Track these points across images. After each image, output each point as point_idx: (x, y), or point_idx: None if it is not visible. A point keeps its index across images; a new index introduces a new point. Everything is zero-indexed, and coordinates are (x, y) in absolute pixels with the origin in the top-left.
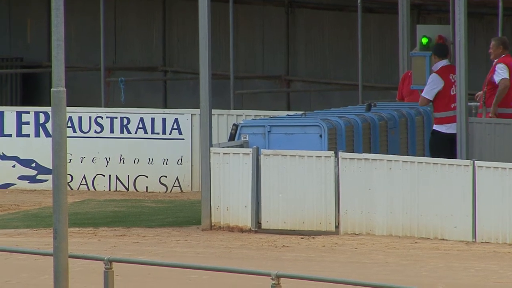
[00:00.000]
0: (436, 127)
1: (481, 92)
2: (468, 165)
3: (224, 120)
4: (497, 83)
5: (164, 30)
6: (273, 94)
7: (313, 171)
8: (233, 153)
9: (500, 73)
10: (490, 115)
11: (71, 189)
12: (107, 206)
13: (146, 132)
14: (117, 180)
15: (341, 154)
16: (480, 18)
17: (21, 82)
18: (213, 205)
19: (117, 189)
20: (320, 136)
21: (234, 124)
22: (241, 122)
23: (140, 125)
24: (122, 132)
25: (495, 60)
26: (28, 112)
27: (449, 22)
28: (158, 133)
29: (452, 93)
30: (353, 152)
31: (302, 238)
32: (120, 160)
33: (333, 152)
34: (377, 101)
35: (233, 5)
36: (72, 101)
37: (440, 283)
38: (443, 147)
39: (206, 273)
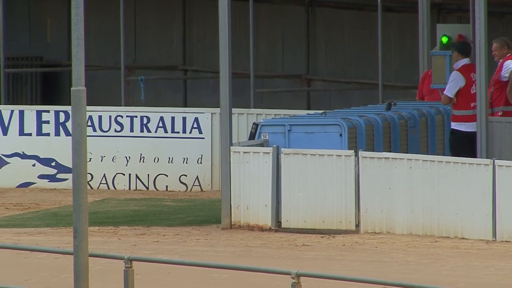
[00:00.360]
0: (454, 125)
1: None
2: (488, 164)
3: (244, 119)
4: (508, 76)
5: (184, 29)
6: (293, 93)
7: (333, 170)
8: (253, 152)
9: (509, 67)
10: (499, 114)
11: (91, 188)
12: (127, 205)
13: (166, 131)
14: (137, 179)
15: (361, 153)
16: (500, 17)
17: (41, 81)
18: (233, 204)
19: (137, 188)
20: (340, 135)
21: (254, 123)
22: (261, 121)
23: (160, 124)
24: (142, 131)
25: (500, 60)
26: (48, 111)
27: (469, 21)
28: (178, 132)
29: (472, 92)
30: (373, 151)
31: (322, 237)
32: (140, 159)
33: (353, 151)
34: (397, 100)
35: (253, 4)
36: (92, 100)
37: (460, 282)
38: (463, 146)
39: (226, 272)
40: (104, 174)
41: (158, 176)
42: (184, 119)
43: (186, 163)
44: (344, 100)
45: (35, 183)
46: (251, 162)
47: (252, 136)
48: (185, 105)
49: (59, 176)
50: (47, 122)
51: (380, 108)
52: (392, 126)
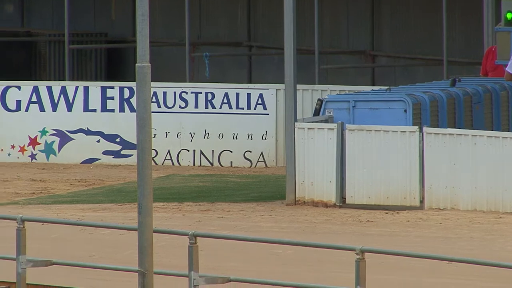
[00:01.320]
0: None
1: None
2: None
3: (308, 95)
4: None
5: (249, 5)
6: (358, 69)
7: (398, 146)
8: (318, 128)
9: None
10: None
11: (156, 164)
12: (191, 181)
13: (230, 107)
14: (202, 155)
15: (425, 129)
16: None
17: (106, 57)
18: (298, 180)
19: (202, 164)
20: (405, 111)
21: (319, 99)
22: (326, 97)
23: (225, 100)
24: (206, 107)
25: None
26: (112, 87)
27: None
28: (242, 108)
29: None
30: (437, 127)
31: (386, 213)
32: (205, 135)
33: (417, 127)
34: (462, 76)
35: None
36: (157, 76)
37: None
38: None
39: (290, 247)
40: (169, 150)
41: (223, 152)
42: (248, 95)
43: (251, 139)
44: (408, 76)
45: (100, 159)
46: (315, 138)
47: (316, 112)
48: (250, 81)
49: (123, 152)
50: (112, 98)
51: (444, 84)
52: (456, 102)
